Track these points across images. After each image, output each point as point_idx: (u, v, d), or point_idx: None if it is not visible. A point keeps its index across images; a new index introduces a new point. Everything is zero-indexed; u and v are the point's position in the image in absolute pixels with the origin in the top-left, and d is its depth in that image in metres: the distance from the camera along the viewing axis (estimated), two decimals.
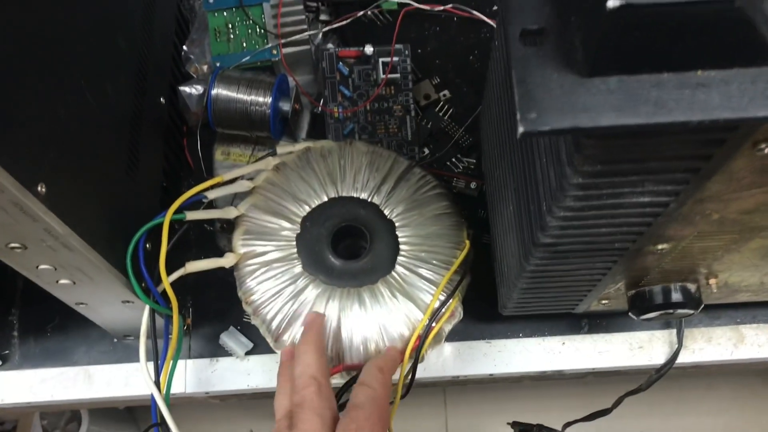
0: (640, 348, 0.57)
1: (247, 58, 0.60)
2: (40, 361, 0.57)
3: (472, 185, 0.61)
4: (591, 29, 0.24)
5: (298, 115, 0.61)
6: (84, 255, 0.41)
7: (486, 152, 0.55)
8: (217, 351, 0.57)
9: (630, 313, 0.48)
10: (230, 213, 0.52)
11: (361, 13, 0.64)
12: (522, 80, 0.24)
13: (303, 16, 0.60)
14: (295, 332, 0.49)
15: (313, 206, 0.52)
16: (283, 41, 0.59)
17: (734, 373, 1.21)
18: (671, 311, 0.47)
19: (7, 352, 0.58)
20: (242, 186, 0.53)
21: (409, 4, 0.65)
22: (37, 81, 0.37)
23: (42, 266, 0.41)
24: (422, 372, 0.56)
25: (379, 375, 0.45)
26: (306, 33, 0.59)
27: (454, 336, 0.56)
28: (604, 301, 0.49)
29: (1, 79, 0.33)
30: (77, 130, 0.42)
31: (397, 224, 0.52)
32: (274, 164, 0.54)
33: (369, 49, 0.61)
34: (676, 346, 0.56)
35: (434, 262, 0.51)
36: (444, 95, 0.63)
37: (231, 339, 0.57)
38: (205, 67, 0.61)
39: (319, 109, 0.62)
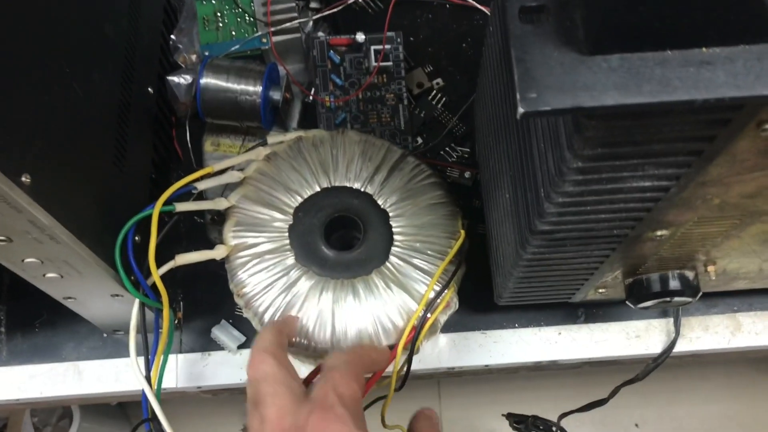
0: (637, 337, 0.57)
1: (237, 46, 0.59)
2: (29, 357, 0.56)
3: (467, 174, 0.60)
4: (592, 5, 0.23)
5: (289, 105, 0.60)
6: (71, 247, 0.40)
7: (480, 140, 0.54)
8: (208, 345, 0.56)
9: (627, 302, 0.48)
10: (221, 204, 0.51)
11: (352, 0, 0.63)
12: (521, 59, 0.24)
13: (293, 4, 0.59)
14: None
15: (306, 196, 0.51)
16: (273, 29, 0.58)
17: (728, 362, 1.22)
18: (669, 299, 0.46)
19: None
20: (233, 177, 0.52)
21: None
22: (20, 68, 0.36)
23: (28, 259, 0.40)
24: (417, 364, 0.55)
25: (349, 346, 0.44)
26: (296, 21, 0.58)
27: (450, 327, 0.56)
28: (601, 290, 0.49)
29: None
30: (63, 120, 0.41)
31: (390, 214, 0.51)
32: (265, 154, 0.53)
33: (360, 37, 0.60)
34: (674, 334, 0.56)
35: (429, 252, 0.50)
36: (437, 83, 0.63)
37: (223, 332, 0.56)
38: (193, 57, 0.60)
39: (311, 98, 0.61)
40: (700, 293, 0.46)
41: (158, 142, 0.57)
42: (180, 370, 0.56)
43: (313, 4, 0.62)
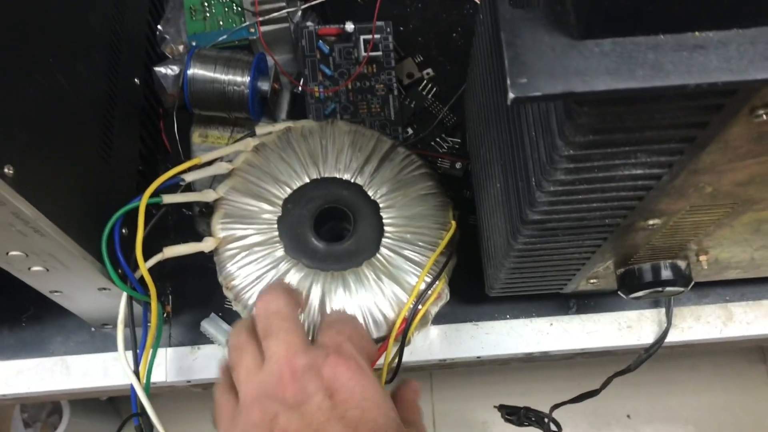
0: (628, 327, 0.56)
1: (224, 36, 0.58)
2: (16, 352, 0.56)
3: (458, 165, 0.60)
4: None
5: (278, 95, 0.60)
6: (56, 240, 0.39)
7: (471, 130, 0.53)
8: (198, 338, 0.56)
9: (619, 292, 0.47)
10: (209, 196, 0.50)
11: None
12: (511, 43, 0.23)
13: None
14: None
15: (295, 188, 0.50)
16: (261, 19, 0.58)
17: (719, 353, 1.22)
18: (661, 289, 0.46)
19: None
20: (221, 168, 0.51)
21: None
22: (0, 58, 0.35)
23: (12, 252, 0.40)
24: (409, 355, 0.55)
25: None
26: (284, 10, 0.58)
27: (441, 319, 0.55)
28: (592, 281, 0.49)
29: None
30: (47, 111, 0.40)
31: (381, 205, 0.50)
32: (254, 145, 0.52)
33: (350, 27, 0.59)
34: (665, 325, 0.56)
35: (420, 243, 0.50)
36: (427, 74, 0.62)
37: (212, 326, 0.55)
38: (180, 47, 0.59)
39: (299, 88, 0.60)
40: (692, 283, 0.46)
41: (145, 133, 0.56)
42: (169, 364, 0.55)
43: None
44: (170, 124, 0.59)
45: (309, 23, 0.60)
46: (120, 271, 0.45)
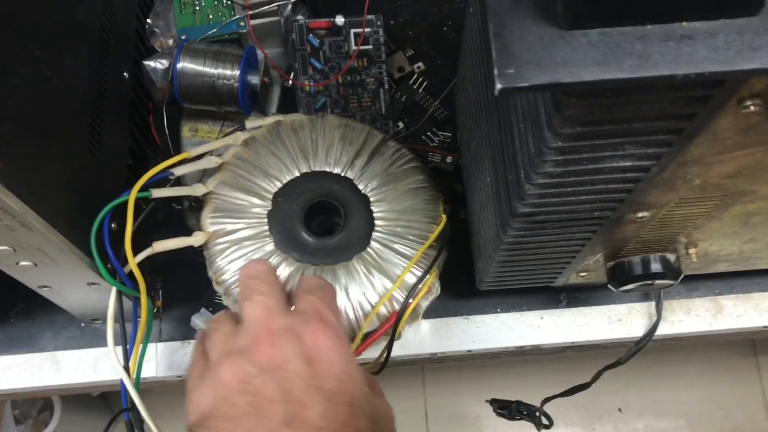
0: (619, 321, 0.57)
1: (214, 30, 0.58)
2: (5, 348, 0.55)
3: (448, 159, 0.59)
4: None
5: (268, 89, 0.59)
6: (44, 235, 0.39)
7: (461, 124, 0.53)
8: (188, 333, 0.56)
9: (609, 285, 0.48)
10: (198, 190, 0.50)
11: None
12: (499, 34, 0.23)
13: None
14: None
15: (285, 182, 0.50)
16: (250, 12, 0.57)
17: (709, 346, 1.23)
18: (651, 282, 0.46)
19: None
20: (210, 162, 0.51)
21: None
22: None
23: (0, 247, 0.39)
24: (399, 350, 0.55)
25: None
26: (274, 4, 0.58)
27: (432, 312, 0.55)
28: (582, 274, 0.49)
29: None
30: (35, 104, 0.40)
31: (371, 199, 0.50)
32: (243, 139, 0.52)
33: (340, 20, 0.59)
34: (655, 318, 0.56)
35: (410, 237, 0.50)
36: (418, 67, 0.62)
37: (202, 320, 0.55)
38: (170, 41, 0.59)
39: (290, 82, 0.60)
40: (682, 276, 0.46)
41: (135, 128, 0.56)
42: (160, 359, 0.55)
43: None
44: (160, 118, 0.58)
45: (299, 17, 0.60)
46: (109, 265, 0.45)
